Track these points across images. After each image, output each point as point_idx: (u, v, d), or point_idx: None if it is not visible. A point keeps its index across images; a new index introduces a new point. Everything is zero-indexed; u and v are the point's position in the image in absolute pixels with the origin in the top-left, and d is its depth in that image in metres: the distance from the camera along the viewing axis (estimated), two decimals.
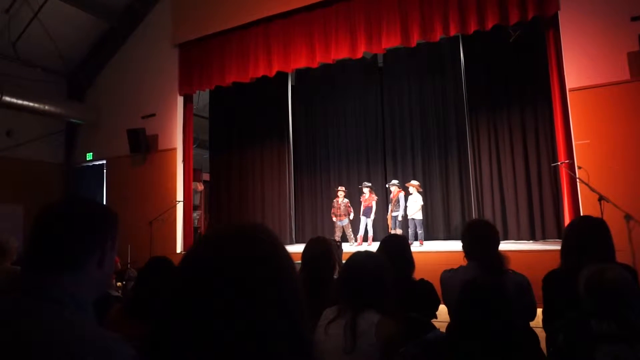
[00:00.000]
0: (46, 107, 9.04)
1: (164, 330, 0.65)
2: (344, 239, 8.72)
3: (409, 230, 8.10)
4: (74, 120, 10.01)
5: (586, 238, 2.23)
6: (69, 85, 10.43)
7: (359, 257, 1.99)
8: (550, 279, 2.32)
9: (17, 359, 0.81)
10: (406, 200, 8.18)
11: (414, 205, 8.05)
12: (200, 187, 11.46)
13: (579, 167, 5.62)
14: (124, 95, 9.68)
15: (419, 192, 8.14)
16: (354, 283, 1.88)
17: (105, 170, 9.98)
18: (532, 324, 2.36)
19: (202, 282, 0.65)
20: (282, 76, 9.15)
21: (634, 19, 5.49)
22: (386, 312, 1.80)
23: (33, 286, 0.92)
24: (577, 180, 5.61)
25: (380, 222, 9.00)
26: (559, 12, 5.93)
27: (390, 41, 6.87)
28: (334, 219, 8.74)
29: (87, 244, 1.01)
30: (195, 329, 0.62)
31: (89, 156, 10.23)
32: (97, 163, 10.16)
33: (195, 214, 10.56)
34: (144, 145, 8.97)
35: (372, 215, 8.54)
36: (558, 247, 2.39)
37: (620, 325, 1.64)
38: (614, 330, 1.64)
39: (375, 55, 9.56)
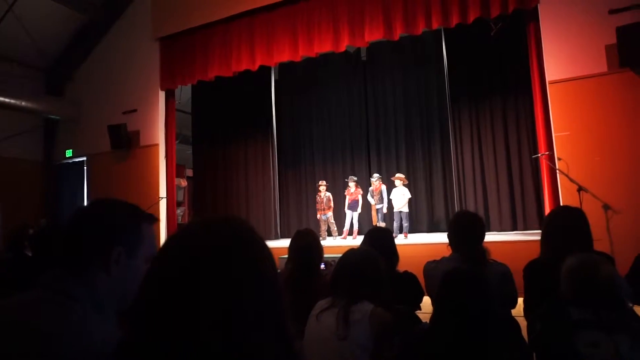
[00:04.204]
0: (23, 103, 8.81)
1: (142, 322, 0.64)
2: (329, 232, 8.76)
3: (395, 223, 8.14)
4: (52, 116, 9.79)
5: (565, 227, 2.26)
6: (47, 80, 10.17)
7: (355, 255, 2.04)
8: (531, 268, 2.35)
9: (27, 346, 0.85)
10: (389, 193, 8.22)
11: (401, 199, 8.07)
12: (184, 183, 11.35)
13: (559, 159, 5.72)
14: (104, 90, 9.48)
15: (404, 184, 8.19)
16: (351, 279, 1.92)
17: (85, 167, 9.79)
18: (514, 312, 2.40)
19: (177, 272, 0.64)
20: (265, 70, 9.10)
21: (612, 12, 5.57)
22: (380, 303, 1.86)
23: (52, 281, 0.98)
24: (557, 171, 5.71)
25: (365, 215, 9.03)
26: (538, 5, 6.00)
27: (374, 34, 6.86)
28: (319, 214, 8.75)
29: (92, 247, 1.02)
30: (172, 319, 0.61)
31: (69, 153, 10.02)
32: (77, 160, 9.96)
33: (179, 211, 10.46)
34: (126, 141, 8.83)
35: (359, 209, 8.57)
36: (539, 238, 2.42)
37: (599, 314, 1.66)
38: (591, 318, 1.67)
39: (358, 49, 9.55)
